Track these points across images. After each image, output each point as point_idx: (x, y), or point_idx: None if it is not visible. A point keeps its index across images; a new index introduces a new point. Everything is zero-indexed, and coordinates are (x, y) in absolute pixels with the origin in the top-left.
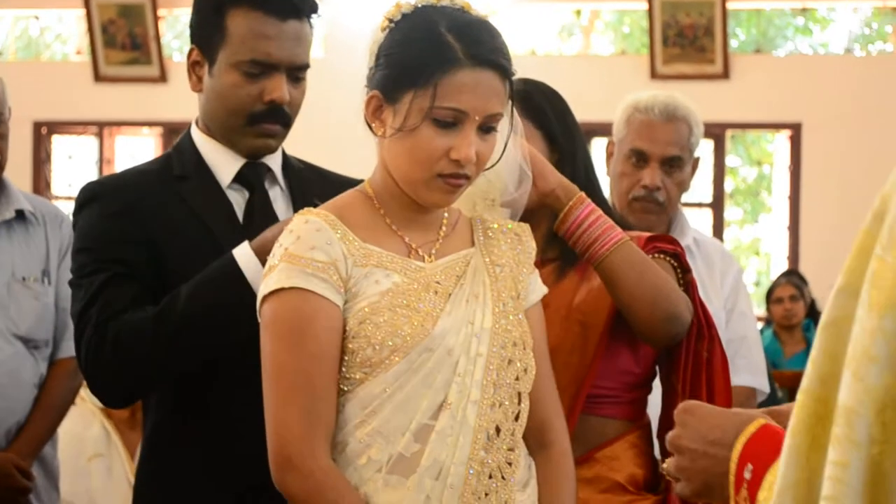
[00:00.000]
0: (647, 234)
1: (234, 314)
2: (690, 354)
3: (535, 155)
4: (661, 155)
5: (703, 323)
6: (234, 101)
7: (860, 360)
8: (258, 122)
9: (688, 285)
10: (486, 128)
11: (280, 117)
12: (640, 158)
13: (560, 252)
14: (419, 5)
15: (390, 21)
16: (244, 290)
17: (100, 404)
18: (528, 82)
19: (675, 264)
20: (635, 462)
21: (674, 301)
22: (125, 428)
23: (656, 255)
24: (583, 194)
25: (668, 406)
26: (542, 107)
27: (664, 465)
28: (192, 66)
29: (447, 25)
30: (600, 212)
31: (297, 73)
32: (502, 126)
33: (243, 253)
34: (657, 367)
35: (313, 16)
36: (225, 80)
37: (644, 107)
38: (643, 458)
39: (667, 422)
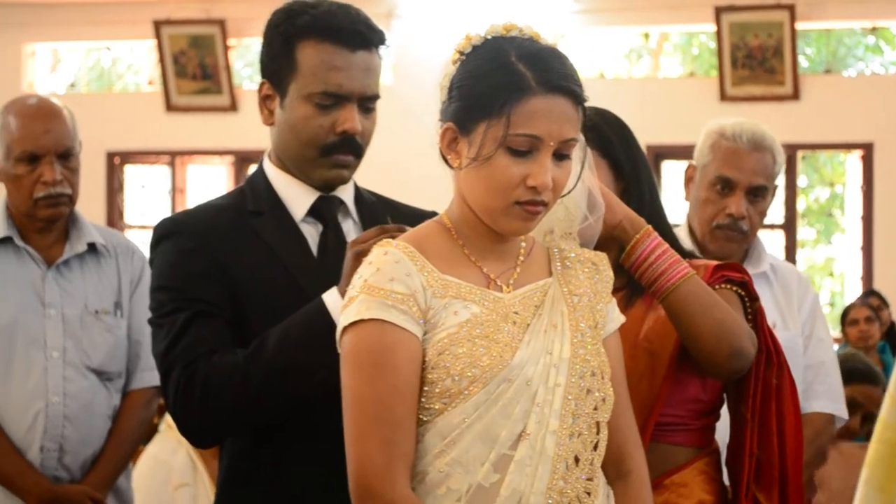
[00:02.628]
0: (715, 262)
1: (324, 362)
2: (760, 382)
3: (602, 188)
4: (748, 184)
5: (771, 350)
6: (307, 133)
7: None
8: (331, 153)
9: (755, 313)
10: (561, 154)
11: (353, 148)
12: (725, 186)
13: (627, 281)
14: (489, 37)
15: (461, 53)
16: (335, 339)
17: None
18: (594, 111)
19: (743, 293)
20: (704, 489)
21: (738, 336)
22: (210, 457)
23: (723, 284)
24: (650, 227)
25: (737, 433)
26: (608, 136)
27: None
28: (264, 100)
29: (518, 55)
30: (666, 245)
31: (367, 103)
32: (575, 153)
33: (333, 300)
34: (725, 395)
35: (382, 46)
36: (297, 113)
37: (731, 134)
38: (712, 485)
39: (736, 448)
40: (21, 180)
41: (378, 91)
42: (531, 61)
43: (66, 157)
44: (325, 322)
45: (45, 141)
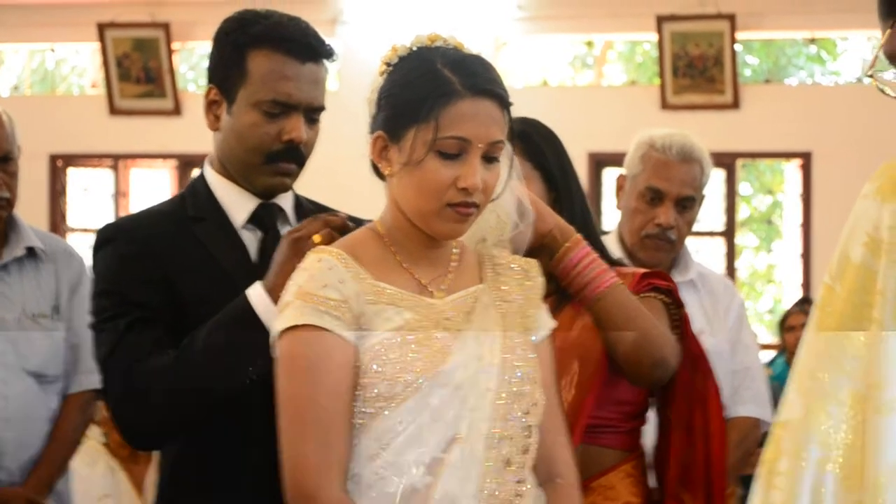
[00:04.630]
0: (642, 270)
1: (249, 353)
2: (685, 386)
3: (532, 196)
4: (677, 195)
5: (696, 356)
6: (253, 140)
7: (803, 377)
8: (275, 160)
9: (681, 320)
10: (490, 157)
11: (296, 156)
12: (655, 196)
13: (556, 287)
14: (414, 48)
15: (388, 65)
16: (258, 330)
17: (103, 440)
18: (525, 122)
19: (669, 300)
20: (631, 491)
21: (660, 347)
22: (131, 463)
23: (649, 292)
24: (579, 236)
25: (663, 436)
26: (540, 147)
27: None
28: (210, 105)
29: (443, 62)
30: (595, 255)
31: (313, 114)
32: (503, 159)
33: (256, 293)
34: (651, 399)
35: (329, 59)
36: (244, 120)
37: (661, 146)
38: (638, 488)
39: (662, 451)
40: None
41: (324, 103)
42: (456, 67)
43: (5, 161)
44: (249, 316)
45: None
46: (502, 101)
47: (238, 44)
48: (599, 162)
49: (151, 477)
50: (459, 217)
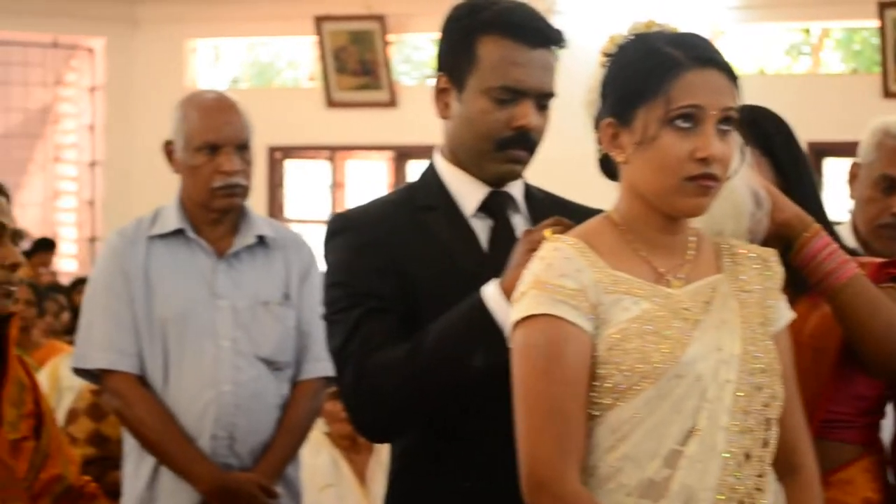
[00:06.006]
0: (880, 260)
1: (482, 352)
2: None
3: (768, 185)
4: None
5: None
6: (484, 127)
7: None
8: (506, 147)
9: None
10: (724, 128)
11: (527, 143)
12: (890, 185)
13: (791, 279)
14: (632, 35)
15: (607, 55)
16: (493, 332)
17: (325, 430)
18: (753, 109)
19: None
20: (870, 486)
21: None
22: (351, 453)
23: (889, 282)
24: (818, 226)
25: None
26: (768, 133)
27: None
28: (439, 93)
29: (663, 41)
30: (836, 244)
31: (543, 100)
32: (733, 140)
33: (491, 293)
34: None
35: (558, 45)
36: (474, 106)
37: None
38: (878, 483)
39: None
40: (199, 170)
41: (553, 90)
42: (677, 44)
43: (243, 149)
44: (483, 314)
45: (225, 132)
46: (728, 70)
47: (468, 30)
48: (819, 151)
49: (373, 468)
50: (700, 190)
